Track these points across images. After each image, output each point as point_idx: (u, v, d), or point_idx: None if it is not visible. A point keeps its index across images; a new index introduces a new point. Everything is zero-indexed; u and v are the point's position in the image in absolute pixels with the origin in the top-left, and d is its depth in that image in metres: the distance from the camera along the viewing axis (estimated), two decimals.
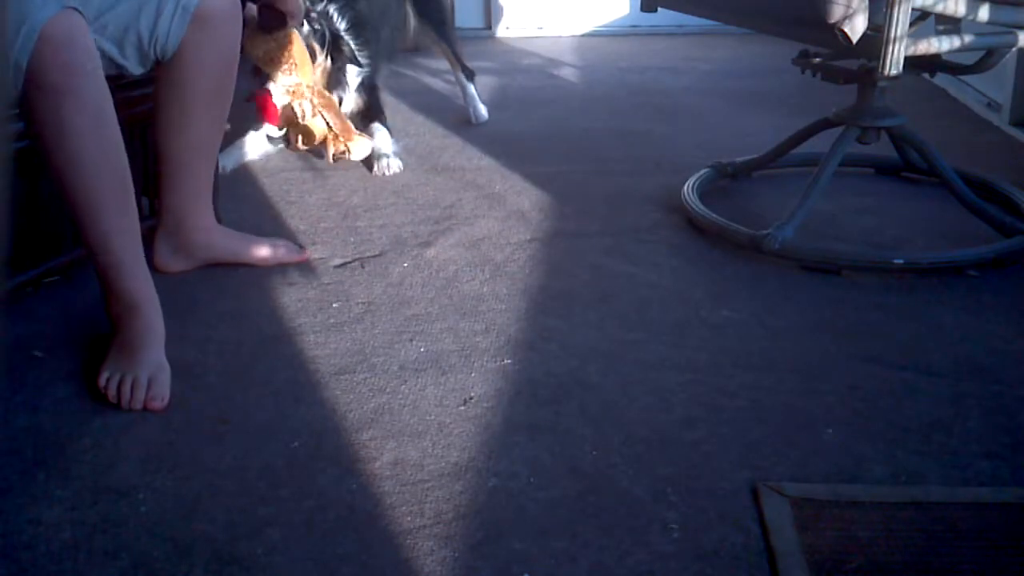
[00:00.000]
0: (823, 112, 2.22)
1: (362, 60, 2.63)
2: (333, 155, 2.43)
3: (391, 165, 2.50)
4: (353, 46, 2.62)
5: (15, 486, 1.34)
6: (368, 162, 2.53)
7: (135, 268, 1.59)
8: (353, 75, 2.61)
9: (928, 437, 1.44)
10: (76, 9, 1.49)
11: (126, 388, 1.51)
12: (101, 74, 1.53)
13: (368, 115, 2.67)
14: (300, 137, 2.45)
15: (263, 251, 1.96)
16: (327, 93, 2.47)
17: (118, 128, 1.56)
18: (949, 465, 1.38)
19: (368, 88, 2.69)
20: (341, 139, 2.41)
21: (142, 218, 2.01)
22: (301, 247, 2.02)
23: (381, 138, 2.60)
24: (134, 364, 1.53)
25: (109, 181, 1.55)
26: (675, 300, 1.85)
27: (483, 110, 2.99)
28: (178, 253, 1.89)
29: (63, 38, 1.45)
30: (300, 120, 2.41)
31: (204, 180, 1.88)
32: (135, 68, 1.74)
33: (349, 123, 2.47)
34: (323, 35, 2.50)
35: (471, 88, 3.00)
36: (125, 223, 1.57)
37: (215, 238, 1.92)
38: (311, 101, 2.40)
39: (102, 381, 1.53)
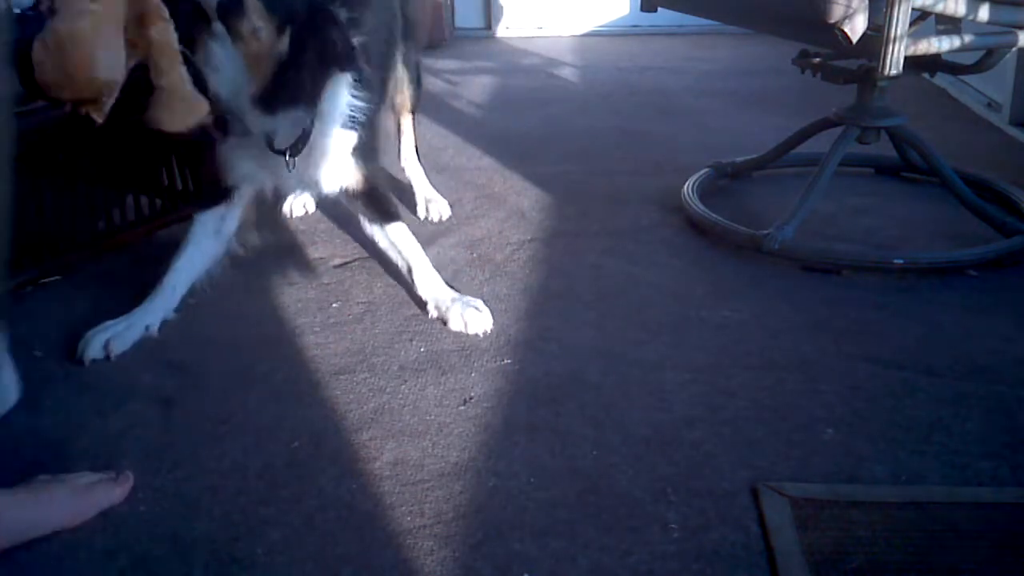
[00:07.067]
0: (823, 112, 2.22)
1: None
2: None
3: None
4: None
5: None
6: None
7: None
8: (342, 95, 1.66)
9: (928, 437, 1.44)
10: None
11: None
12: None
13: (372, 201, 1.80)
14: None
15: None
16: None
17: None
18: (949, 465, 1.37)
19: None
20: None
21: (141, 219, 2.03)
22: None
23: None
24: None
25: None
26: (675, 300, 1.85)
27: (443, 205, 2.23)
28: None
29: None
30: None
31: None
32: None
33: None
34: None
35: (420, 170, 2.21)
36: None
37: None
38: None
39: None
